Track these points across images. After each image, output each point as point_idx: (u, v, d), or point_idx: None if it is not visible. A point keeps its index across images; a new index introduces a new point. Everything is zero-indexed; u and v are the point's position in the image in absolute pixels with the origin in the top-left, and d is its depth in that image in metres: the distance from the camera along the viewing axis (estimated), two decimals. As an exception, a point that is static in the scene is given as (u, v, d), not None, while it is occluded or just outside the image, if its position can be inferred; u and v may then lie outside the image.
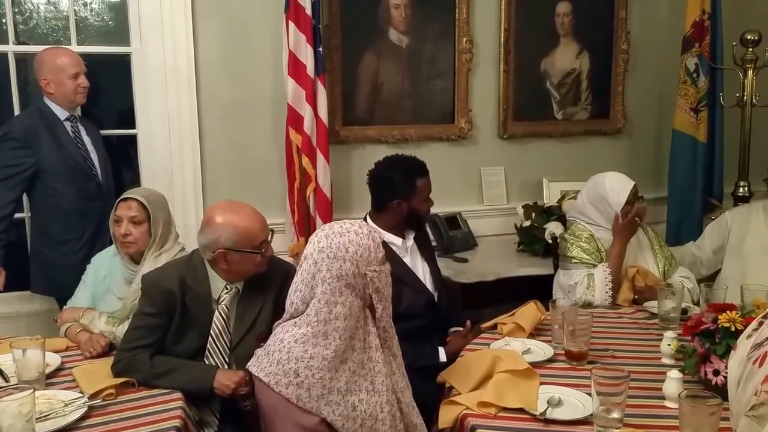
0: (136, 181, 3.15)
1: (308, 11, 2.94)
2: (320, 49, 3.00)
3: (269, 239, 1.99)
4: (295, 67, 2.97)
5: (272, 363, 1.57)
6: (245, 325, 1.97)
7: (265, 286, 2.01)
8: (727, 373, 1.59)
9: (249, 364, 1.65)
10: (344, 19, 3.25)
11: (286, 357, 1.56)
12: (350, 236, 1.60)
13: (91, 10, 3.16)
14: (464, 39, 3.46)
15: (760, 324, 0.89)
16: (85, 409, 1.66)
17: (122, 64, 3.13)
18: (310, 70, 2.97)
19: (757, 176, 3.36)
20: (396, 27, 3.36)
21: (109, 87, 3.32)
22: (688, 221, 3.57)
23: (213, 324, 1.95)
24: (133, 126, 3.13)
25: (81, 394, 1.74)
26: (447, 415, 1.66)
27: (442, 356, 2.25)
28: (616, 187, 2.60)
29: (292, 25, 2.94)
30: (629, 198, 2.57)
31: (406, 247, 2.37)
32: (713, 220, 3.33)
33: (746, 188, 3.49)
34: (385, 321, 1.65)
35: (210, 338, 1.95)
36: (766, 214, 2.84)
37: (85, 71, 2.77)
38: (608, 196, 2.60)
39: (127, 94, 3.13)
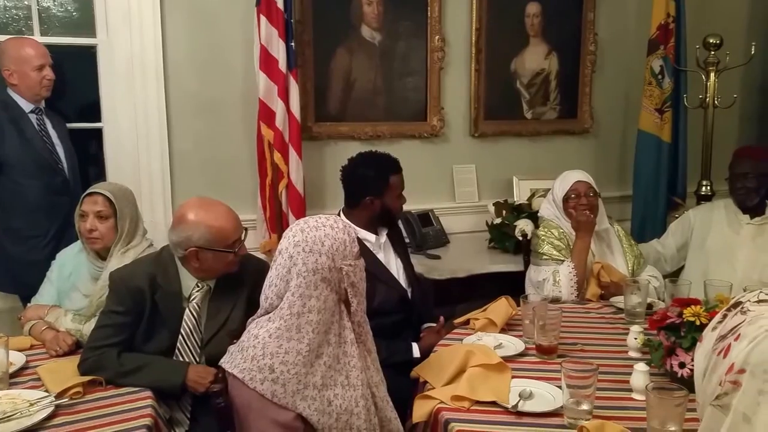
0: (101, 176, 3.08)
1: (280, 5, 2.91)
2: (292, 44, 2.98)
3: (243, 238, 1.97)
4: (267, 61, 2.94)
5: (246, 359, 1.55)
6: (217, 324, 1.95)
7: (238, 284, 1.98)
8: (692, 365, 1.66)
9: (222, 360, 1.63)
10: (316, 14, 3.24)
11: (261, 353, 1.54)
12: (326, 230, 1.60)
13: (54, 0, 3.08)
14: (436, 37, 3.47)
15: (724, 316, 0.90)
16: (51, 408, 1.62)
17: (85, 56, 3.05)
18: (282, 64, 2.95)
19: (719, 176, 3.44)
20: (368, 24, 3.36)
21: (72, 79, 3.23)
22: (652, 219, 3.65)
23: (183, 322, 1.92)
24: (97, 119, 3.06)
25: (47, 394, 1.69)
26: (421, 409, 1.67)
27: (416, 352, 2.26)
28: (560, 182, 2.72)
29: (263, 18, 2.91)
30: (570, 194, 2.65)
31: (379, 244, 2.38)
32: (677, 218, 3.40)
33: (709, 187, 3.56)
34: (359, 316, 1.66)
35: (180, 337, 1.92)
36: (727, 212, 2.92)
37: (51, 63, 2.71)
38: (555, 194, 2.73)
39: (90, 87, 3.05)
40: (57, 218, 2.69)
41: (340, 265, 1.59)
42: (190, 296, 1.94)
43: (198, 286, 1.95)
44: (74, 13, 3.11)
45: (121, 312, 1.89)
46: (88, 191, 2.21)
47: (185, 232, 1.88)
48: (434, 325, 2.38)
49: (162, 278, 1.93)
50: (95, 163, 3.21)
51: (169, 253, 1.96)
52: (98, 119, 3.07)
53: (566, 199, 2.68)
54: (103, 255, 2.19)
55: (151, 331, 1.92)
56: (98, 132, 3.08)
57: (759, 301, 0.88)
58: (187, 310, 1.93)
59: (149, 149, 3.05)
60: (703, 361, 0.91)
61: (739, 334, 0.84)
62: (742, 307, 0.88)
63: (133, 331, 1.91)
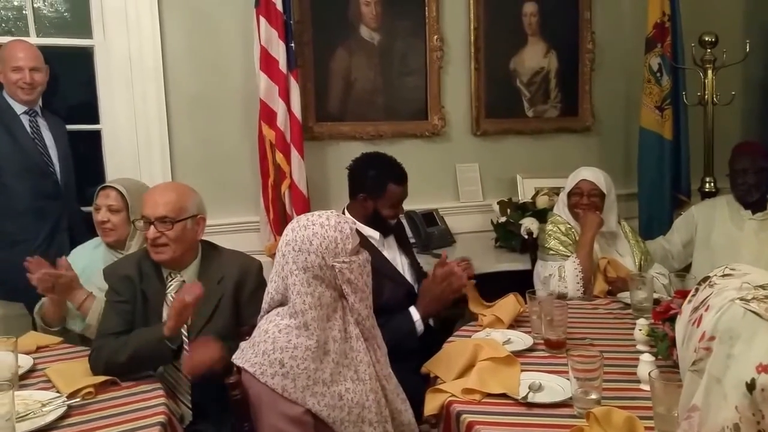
0: (100, 178, 3.03)
1: (279, 7, 2.92)
2: (292, 44, 2.98)
3: (150, 220, 1.93)
4: (267, 62, 2.95)
5: (257, 354, 1.57)
6: (202, 320, 1.95)
7: (220, 279, 1.98)
8: None
9: (234, 356, 1.64)
10: (315, 14, 3.25)
11: (272, 347, 1.56)
12: (315, 229, 1.61)
13: (44, 1, 3.07)
14: (435, 37, 3.48)
15: (697, 290, 1.01)
16: (64, 408, 1.62)
17: (78, 58, 3.05)
18: (283, 65, 2.96)
19: (721, 172, 3.44)
20: (367, 24, 3.38)
21: (69, 81, 3.23)
22: (659, 217, 3.64)
23: (163, 315, 1.92)
24: (94, 121, 3.05)
25: (58, 394, 1.69)
26: (432, 402, 1.67)
27: (415, 315, 2.26)
28: (571, 178, 2.73)
29: (263, 20, 2.92)
30: (574, 190, 2.66)
31: (383, 241, 2.38)
32: (681, 215, 3.42)
33: (712, 184, 3.56)
34: (361, 312, 1.65)
35: None
36: (730, 208, 2.93)
37: (37, 67, 2.65)
38: (565, 188, 2.74)
39: (85, 89, 3.05)
40: (47, 223, 2.65)
41: (332, 262, 1.59)
42: (167, 287, 1.98)
43: (171, 277, 1.98)
44: (65, 14, 3.11)
45: (120, 301, 1.93)
46: (102, 186, 2.28)
47: None
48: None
49: (146, 266, 1.97)
50: (94, 164, 3.15)
51: None
52: (94, 121, 3.05)
53: (570, 195, 2.70)
54: (119, 248, 2.23)
55: (144, 320, 1.94)
56: (94, 134, 3.06)
57: (723, 276, 1.00)
58: (165, 302, 1.95)
59: (150, 151, 3.05)
60: (681, 332, 1.02)
61: (708, 305, 0.96)
62: (710, 281, 1.01)
63: (134, 320, 1.93)
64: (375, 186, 2.33)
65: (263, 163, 3.04)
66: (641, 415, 1.49)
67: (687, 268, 3.02)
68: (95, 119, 3.06)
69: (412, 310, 2.27)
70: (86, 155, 3.14)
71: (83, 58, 3.07)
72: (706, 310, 0.95)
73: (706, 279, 1.01)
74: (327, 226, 1.61)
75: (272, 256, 2.92)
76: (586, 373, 1.56)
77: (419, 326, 2.26)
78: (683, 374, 0.99)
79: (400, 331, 2.21)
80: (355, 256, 1.63)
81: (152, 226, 1.93)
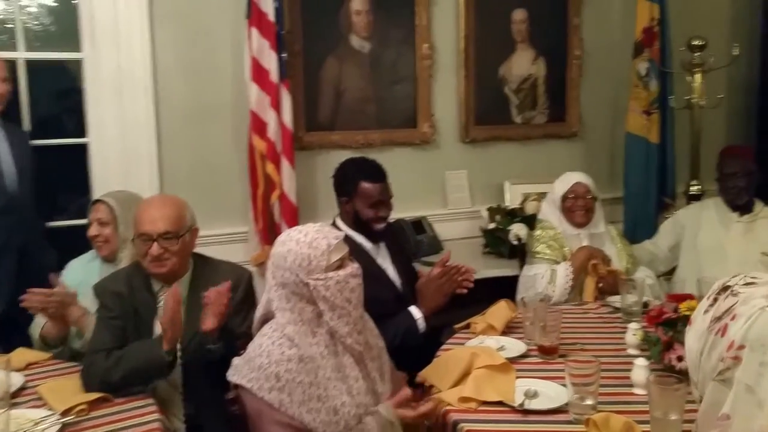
0: (86, 192, 3.00)
1: (271, 18, 2.92)
2: (284, 55, 2.99)
3: (153, 236, 1.91)
4: (258, 72, 2.95)
5: (253, 369, 1.58)
6: (194, 329, 1.91)
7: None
8: None
9: (228, 374, 1.65)
10: (305, 24, 3.25)
11: (267, 361, 1.57)
12: (290, 245, 1.62)
13: (29, 14, 3.04)
14: (425, 45, 3.50)
15: (715, 300, 1.00)
16: (58, 426, 1.61)
17: (61, 71, 3.04)
18: (274, 75, 2.95)
19: (708, 175, 3.48)
20: (357, 33, 3.39)
21: (46, 94, 3.21)
22: (644, 220, 3.66)
23: (154, 329, 1.92)
24: (82, 135, 3.02)
25: (51, 412, 1.67)
26: (428, 411, 1.68)
27: (416, 313, 2.27)
28: (561, 182, 2.77)
29: (254, 31, 2.92)
30: (569, 193, 2.70)
31: (376, 249, 2.39)
32: (668, 218, 3.44)
33: (698, 187, 3.59)
34: (339, 330, 1.62)
35: None
36: (717, 211, 2.97)
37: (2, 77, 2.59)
38: (554, 192, 2.78)
39: (70, 102, 3.03)
40: None
41: (306, 280, 1.59)
42: (158, 301, 1.97)
43: (163, 291, 1.97)
44: (50, 27, 3.09)
45: (111, 316, 1.92)
46: (93, 200, 2.34)
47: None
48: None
49: (137, 281, 1.97)
50: (80, 178, 3.07)
51: None
52: (83, 134, 3.02)
53: (564, 198, 2.73)
54: (112, 261, 2.25)
55: (136, 335, 1.93)
56: (78, 147, 3.01)
57: (746, 284, 0.99)
58: (156, 316, 1.95)
59: (138, 163, 3.02)
60: (697, 342, 1.01)
61: (735, 314, 0.95)
62: (732, 290, 0.99)
63: (126, 336, 1.92)
64: (349, 186, 2.35)
65: (253, 174, 3.04)
66: (636, 420, 1.52)
67: (672, 271, 3.05)
68: (82, 133, 3.03)
69: (413, 309, 2.28)
70: (72, 169, 3.10)
71: (66, 72, 3.06)
72: (732, 319, 0.95)
73: (726, 288, 1.00)
74: (302, 243, 1.61)
75: (259, 265, 2.97)
76: (582, 378, 1.58)
77: (421, 324, 2.27)
78: (701, 384, 0.99)
79: (401, 327, 2.23)
80: (333, 272, 1.61)
81: (155, 243, 1.91)
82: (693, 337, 1.01)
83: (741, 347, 0.92)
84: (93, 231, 2.27)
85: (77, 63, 2.99)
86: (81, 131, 3.02)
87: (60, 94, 3.28)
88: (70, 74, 3.13)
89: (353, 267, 1.66)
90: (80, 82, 2.99)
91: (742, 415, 0.90)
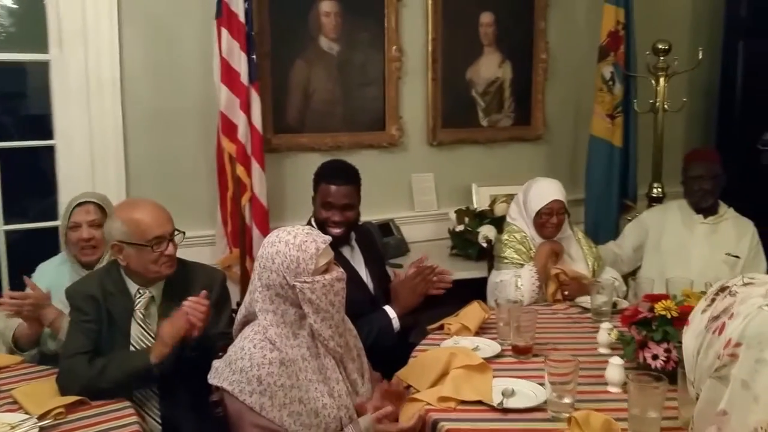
0: (52, 194, 2.96)
1: (242, 18, 2.88)
2: (254, 56, 2.95)
3: (168, 237, 1.92)
4: (228, 74, 2.91)
5: (235, 371, 1.56)
6: None
7: (188, 294, 1.93)
8: (665, 356, 1.74)
9: (209, 376, 1.63)
10: (274, 26, 3.22)
11: (249, 364, 1.55)
12: (279, 247, 1.61)
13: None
14: (393, 47, 3.51)
15: (713, 300, 1.02)
16: (36, 429, 1.58)
17: (25, 73, 2.93)
18: (244, 77, 2.92)
19: (669, 178, 3.58)
20: (326, 35, 3.37)
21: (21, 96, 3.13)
22: (605, 222, 3.72)
23: (131, 332, 1.90)
24: (49, 137, 2.95)
25: (28, 416, 1.65)
26: (408, 412, 1.68)
27: (391, 312, 2.27)
28: (537, 196, 2.68)
29: (224, 31, 2.88)
30: (544, 210, 2.64)
31: (350, 251, 2.38)
32: (629, 220, 3.52)
33: (660, 189, 3.66)
34: (322, 333, 1.62)
35: (132, 347, 1.90)
36: (681, 213, 3.02)
37: None
38: (529, 202, 2.71)
39: (36, 104, 2.95)
40: None
41: (293, 282, 1.59)
42: (135, 303, 1.93)
43: (140, 293, 1.94)
44: (11, 29, 3.00)
45: (86, 320, 1.88)
46: (77, 201, 2.19)
47: (108, 227, 1.91)
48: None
49: (110, 285, 1.93)
50: (46, 180, 3.04)
51: (116, 261, 1.95)
52: (50, 136, 2.95)
53: (540, 213, 2.65)
54: (91, 266, 2.15)
55: (110, 340, 1.90)
56: (42, 149, 2.96)
57: (745, 284, 1.00)
58: (133, 318, 1.92)
59: (105, 165, 2.96)
60: (695, 341, 1.02)
61: (733, 313, 0.96)
62: (730, 290, 1.00)
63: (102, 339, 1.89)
64: (314, 185, 2.37)
65: (222, 177, 3.00)
66: (611, 417, 1.54)
67: (635, 272, 3.11)
68: (49, 134, 2.96)
69: (388, 308, 2.28)
70: (38, 170, 3.04)
71: (34, 74, 2.98)
72: (729, 318, 0.96)
73: (724, 289, 1.01)
74: (291, 245, 1.60)
75: (227, 268, 2.93)
76: (561, 377, 1.61)
77: (396, 323, 2.27)
78: (698, 381, 1.01)
79: (376, 327, 2.22)
80: (320, 275, 1.61)
81: (170, 243, 1.92)
82: (690, 336, 1.03)
83: (738, 345, 0.93)
84: (85, 234, 2.15)
85: (40, 65, 2.93)
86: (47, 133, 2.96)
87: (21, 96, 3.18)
88: (32, 76, 3.06)
89: (339, 271, 1.67)
90: (46, 84, 2.92)
91: (738, 410, 0.91)
